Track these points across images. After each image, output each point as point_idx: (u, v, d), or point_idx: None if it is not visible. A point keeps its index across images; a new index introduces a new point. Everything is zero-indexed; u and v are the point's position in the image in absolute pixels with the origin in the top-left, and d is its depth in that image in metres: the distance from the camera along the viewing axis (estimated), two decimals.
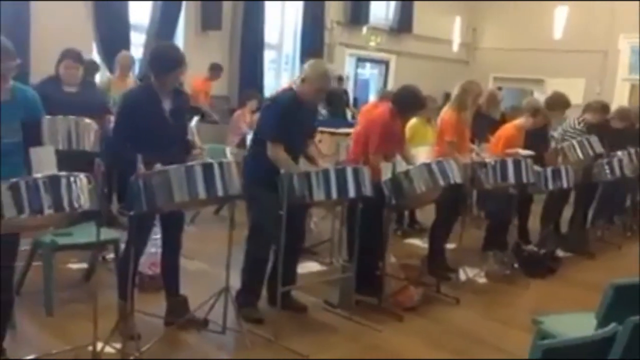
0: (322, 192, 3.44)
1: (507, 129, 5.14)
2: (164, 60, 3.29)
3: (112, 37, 7.51)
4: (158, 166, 3.03)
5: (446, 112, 4.73)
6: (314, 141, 4.13)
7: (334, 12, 10.22)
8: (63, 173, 2.51)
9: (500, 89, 8.37)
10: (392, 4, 11.33)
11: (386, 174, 3.88)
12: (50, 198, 2.43)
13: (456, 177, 4.09)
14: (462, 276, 4.70)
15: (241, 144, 6.84)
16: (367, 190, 3.59)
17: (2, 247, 2.59)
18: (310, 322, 3.80)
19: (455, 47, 11.84)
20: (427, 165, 3.98)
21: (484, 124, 5.40)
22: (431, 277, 4.52)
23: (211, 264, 4.52)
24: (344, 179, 3.49)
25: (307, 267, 4.66)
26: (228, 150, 6.43)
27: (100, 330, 2.97)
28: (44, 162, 2.53)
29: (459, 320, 4.04)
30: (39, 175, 2.46)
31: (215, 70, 8.15)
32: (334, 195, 3.48)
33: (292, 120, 3.58)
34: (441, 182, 3.99)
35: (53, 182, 2.45)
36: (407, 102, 4.14)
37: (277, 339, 3.41)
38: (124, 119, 3.31)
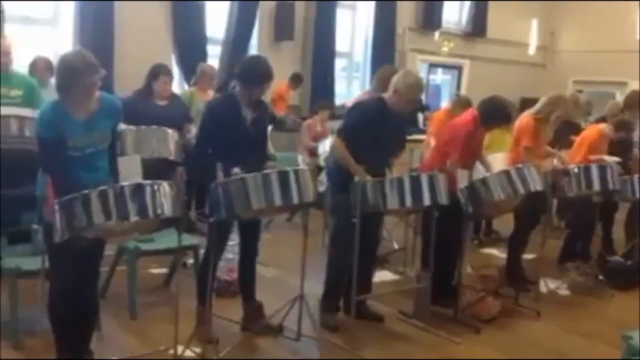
0: (396, 200, 3.39)
1: (590, 134, 4.91)
2: (255, 73, 3.34)
3: (190, 49, 7.77)
4: (236, 170, 3.08)
5: (525, 118, 4.55)
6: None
7: (405, 18, 10.14)
8: (148, 181, 2.61)
9: (580, 92, 8.04)
10: (466, 8, 11.12)
11: (462, 182, 3.78)
12: (136, 205, 2.53)
13: (536, 184, 3.93)
14: (543, 288, 4.52)
15: (312, 153, 6.86)
16: (443, 198, 3.51)
17: (89, 251, 2.71)
18: (386, 331, 3.76)
19: (532, 51, 11.48)
20: (506, 173, 3.85)
21: (565, 129, 5.18)
22: (510, 289, 4.36)
23: (285, 270, 4.55)
24: (418, 186, 3.43)
25: (380, 276, 4.61)
26: (300, 158, 6.48)
27: (180, 334, 3.04)
28: (130, 170, 2.63)
29: (540, 334, 3.88)
30: (125, 183, 2.56)
31: (295, 79, 8.28)
32: (409, 203, 3.43)
33: (377, 129, 3.53)
34: (521, 190, 3.84)
35: (138, 190, 2.55)
36: (494, 113, 3.99)
37: (352, 348, 3.38)
38: (207, 128, 3.39)
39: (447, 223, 3.70)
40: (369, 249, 3.68)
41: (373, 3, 9.72)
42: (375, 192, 3.36)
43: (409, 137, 6.26)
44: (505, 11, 11.08)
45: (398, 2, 9.90)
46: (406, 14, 10.14)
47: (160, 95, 4.54)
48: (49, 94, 4.48)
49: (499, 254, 5.36)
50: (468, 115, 4.14)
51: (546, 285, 4.56)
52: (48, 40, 6.91)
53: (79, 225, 2.49)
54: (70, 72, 2.61)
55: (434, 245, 3.71)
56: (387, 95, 3.66)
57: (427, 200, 3.45)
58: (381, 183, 3.39)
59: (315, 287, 3.76)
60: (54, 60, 5.59)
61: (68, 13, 7.04)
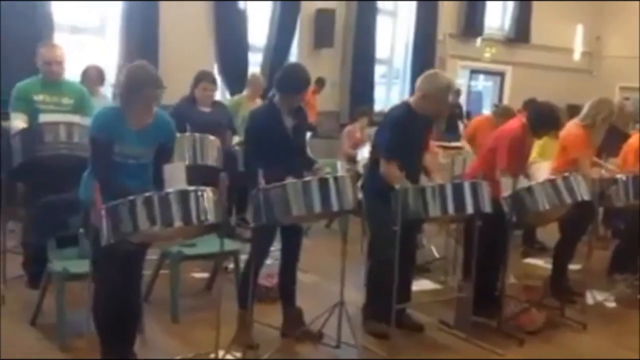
0: (438, 208, 3.35)
1: (637, 142, 4.75)
2: (293, 81, 3.38)
3: (232, 57, 7.88)
4: (290, 179, 3.10)
5: (572, 127, 4.44)
6: (436, 151, 4.01)
7: (446, 24, 10.06)
8: (192, 188, 2.65)
9: (627, 99, 7.80)
10: (508, 13, 10.97)
11: (506, 190, 3.71)
12: (180, 211, 2.57)
13: (583, 193, 3.82)
14: (590, 300, 4.39)
15: (351, 159, 6.85)
16: (486, 206, 3.45)
17: (134, 255, 2.77)
18: (426, 341, 3.71)
19: (577, 56, 11.23)
20: (552, 182, 3.76)
21: (612, 137, 5.03)
22: (555, 300, 4.25)
23: (324, 277, 4.55)
24: (461, 194, 3.38)
25: (420, 285, 4.55)
26: (339, 164, 6.46)
27: (221, 338, 3.05)
28: (175, 177, 2.67)
29: (587, 347, 3.77)
30: (170, 189, 2.60)
31: (319, 83, 8.29)
32: (451, 211, 3.38)
33: (407, 135, 3.52)
34: (567, 200, 3.75)
35: (183, 197, 2.60)
36: (543, 120, 3.90)
37: (392, 357, 3.35)
38: (251, 136, 3.43)
39: (490, 232, 3.63)
40: (408, 257, 3.65)
41: (414, 9, 9.68)
42: (416, 199, 3.32)
43: (449, 144, 6.25)
44: (549, 16, 10.88)
45: (439, 8, 9.83)
46: (447, 19, 10.07)
47: (201, 101, 4.61)
48: (99, 102, 4.63)
49: (543, 264, 5.23)
50: (516, 122, 4.06)
51: (593, 297, 4.43)
52: (95, 48, 7.11)
53: (124, 230, 2.55)
54: (134, 84, 2.73)
55: (476, 254, 3.65)
56: (413, 99, 3.63)
57: (470, 209, 3.40)
58: (423, 190, 3.35)
59: (354, 294, 3.74)
60: (104, 69, 5.80)
61: (114, 22, 7.22)
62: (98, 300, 2.84)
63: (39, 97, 3.92)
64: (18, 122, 3.83)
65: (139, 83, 2.73)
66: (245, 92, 6.24)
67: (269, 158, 3.22)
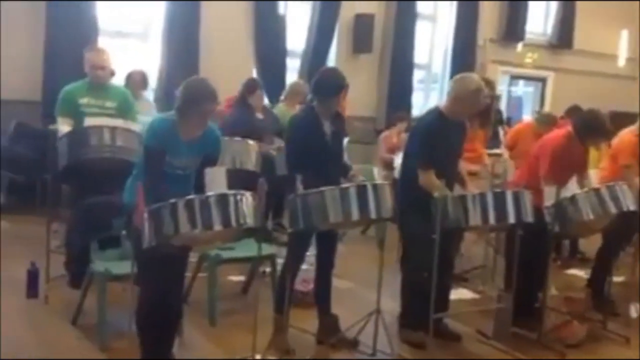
0: (478, 217, 3.30)
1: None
2: (328, 85, 3.39)
3: (270, 62, 7.93)
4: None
5: (626, 135, 4.31)
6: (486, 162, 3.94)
7: (487, 30, 9.92)
8: (231, 192, 2.68)
9: None
10: (551, 18, 10.75)
11: (549, 199, 3.63)
12: (220, 215, 2.59)
13: (629, 203, 3.71)
14: (633, 313, 4.27)
15: (388, 165, 6.81)
16: (528, 215, 3.38)
17: (175, 258, 2.81)
18: (463, 352, 3.66)
19: (622, 62, 10.93)
20: (596, 191, 3.67)
21: None
22: (597, 313, 4.14)
23: (359, 283, 4.54)
24: (503, 203, 3.32)
25: (457, 294, 4.49)
26: (376, 170, 6.44)
27: (257, 342, 3.07)
28: (215, 181, 2.71)
29: None
30: (210, 193, 2.63)
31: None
32: (492, 220, 3.33)
33: (439, 141, 3.47)
34: (612, 210, 3.64)
35: (223, 200, 2.63)
36: (591, 129, 3.80)
37: None
38: (290, 142, 3.45)
39: (532, 242, 3.56)
40: (446, 266, 3.60)
41: (454, 14, 9.58)
42: (456, 207, 3.28)
43: (489, 151, 6.15)
44: (593, 22, 10.62)
45: (480, 13, 9.71)
46: (488, 24, 9.93)
47: (257, 108, 4.67)
48: (142, 106, 4.72)
49: (584, 275, 5.10)
50: (562, 130, 3.97)
51: (637, 309, 4.31)
52: (138, 53, 7.25)
53: (166, 232, 2.59)
54: (192, 98, 2.80)
55: (517, 264, 3.58)
56: (444, 104, 3.58)
57: (511, 218, 3.34)
58: (463, 198, 3.31)
59: (389, 302, 3.71)
60: (147, 73, 5.91)
61: (157, 28, 7.36)
62: (140, 302, 2.89)
63: (84, 101, 4.02)
64: (64, 126, 3.93)
65: (197, 97, 2.80)
66: (283, 98, 6.26)
67: (307, 164, 3.23)
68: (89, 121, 3.84)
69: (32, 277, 3.98)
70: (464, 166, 3.90)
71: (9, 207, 4.68)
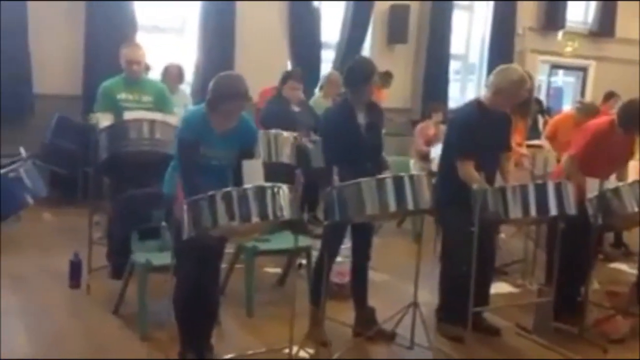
0: (519, 209, 3.23)
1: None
2: (357, 73, 3.37)
3: (305, 54, 7.93)
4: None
5: None
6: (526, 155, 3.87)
7: (525, 18, 9.72)
8: (268, 184, 2.68)
9: None
10: (592, 6, 10.47)
11: (592, 191, 3.53)
12: (257, 207, 2.61)
13: None
14: None
15: (424, 157, 6.73)
16: (571, 208, 3.29)
17: (213, 249, 2.83)
18: (503, 346, 3.60)
19: None
20: None
21: None
22: None
23: (395, 276, 4.52)
24: (544, 195, 3.23)
25: (496, 287, 4.42)
26: (411, 163, 6.38)
27: (294, 334, 3.08)
28: (253, 173, 2.72)
29: None
30: (248, 185, 2.64)
31: (384, 77, 8.17)
32: (533, 213, 3.25)
33: (478, 133, 3.41)
34: None
35: (260, 193, 2.64)
36: (633, 118, 3.67)
37: None
38: (326, 134, 3.44)
39: (574, 235, 3.48)
40: (487, 260, 3.54)
41: (492, 3, 9.41)
42: (496, 200, 3.22)
43: (529, 142, 6.03)
44: (635, 9, 10.29)
45: (518, 2, 9.52)
46: (527, 13, 9.72)
47: (292, 100, 4.65)
48: (179, 99, 4.77)
49: (628, 269, 4.97)
50: (605, 118, 3.86)
51: None
52: (175, 47, 7.34)
53: (204, 224, 2.61)
54: (220, 95, 2.82)
55: (558, 258, 3.50)
56: (485, 96, 3.51)
57: (553, 210, 3.25)
58: (503, 190, 3.25)
59: (426, 295, 3.68)
60: (184, 67, 5.97)
61: (193, 22, 7.43)
62: (178, 292, 2.93)
63: (122, 96, 4.09)
64: (103, 121, 4.00)
65: (224, 95, 2.82)
66: (318, 89, 6.25)
67: (341, 156, 3.21)
68: (128, 115, 3.91)
69: (75, 268, 4.08)
70: (514, 156, 3.82)
71: (52, 199, 4.78)
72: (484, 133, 3.43)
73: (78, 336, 3.44)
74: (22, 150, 2.57)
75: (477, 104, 3.54)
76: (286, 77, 4.67)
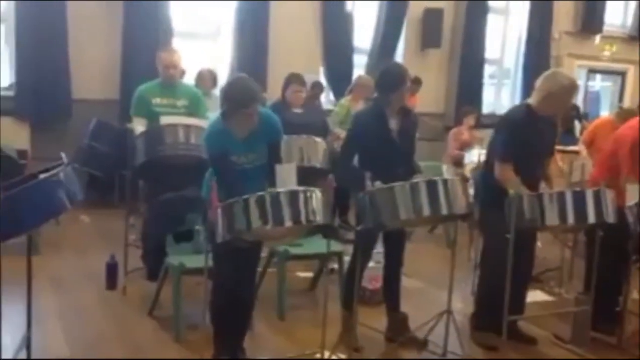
0: (556, 217, 3.17)
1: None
2: (390, 79, 3.37)
3: (338, 60, 7.94)
4: (378, 183, 3.07)
5: None
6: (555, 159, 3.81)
7: (562, 22, 9.55)
8: (301, 188, 2.69)
9: None
10: (631, 9, 10.22)
11: (632, 198, 3.44)
12: (290, 211, 2.61)
13: None
14: None
15: (457, 162, 6.67)
16: (610, 216, 3.22)
17: (248, 253, 2.85)
18: (539, 356, 3.54)
19: None
20: None
21: None
22: None
23: (428, 282, 4.48)
24: (582, 202, 3.17)
25: (532, 296, 4.33)
26: (445, 168, 6.32)
27: (326, 339, 3.07)
28: (286, 178, 2.72)
29: None
30: (281, 190, 2.66)
31: (415, 84, 8.12)
32: (571, 220, 3.19)
33: (526, 138, 3.36)
34: None
35: (293, 197, 2.64)
36: None
37: None
38: (352, 138, 3.43)
39: (613, 243, 3.40)
40: (524, 268, 3.48)
41: (528, 7, 9.28)
42: (533, 207, 3.16)
43: (566, 149, 5.92)
44: None
45: (555, 6, 9.37)
46: (564, 17, 9.56)
47: (293, 103, 4.65)
48: (213, 103, 4.82)
49: None
50: (634, 122, 3.76)
51: None
52: (210, 53, 7.43)
53: (239, 228, 2.63)
54: (232, 102, 2.84)
55: (597, 267, 3.42)
56: (534, 100, 3.45)
57: (592, 218, 3.19)
58: (540, 197, 3.19)
59: (460, 303, 3.64)
60: (217, 72, 6.05)
61: (228, 28, 7.51)
62: (215, 296, 2.96)
63: (157, 100, 4.16)
64: (138, 126, 4.07)
65: (237, 103, 2.82)
66: (348, 94, 6.24)
67: (372, 161, 3.20)
68: (164, 120, 3.97)
69: (112, 270, 4.15)
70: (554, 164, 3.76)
71: (90, 202, 4.90)
72: (532, 138, 3.37)
73: (114, 337, 3.50)
74: (63, 155, 2.64)
75: (526, 108, 3.49)
76: (288, 82, 4.68)
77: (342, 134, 5.00)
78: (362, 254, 3.34)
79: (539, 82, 3.44)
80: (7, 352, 2.62)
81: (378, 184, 3.08)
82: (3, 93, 6.53)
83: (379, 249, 3.64)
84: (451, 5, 8.73)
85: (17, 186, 2.45)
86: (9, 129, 6.24)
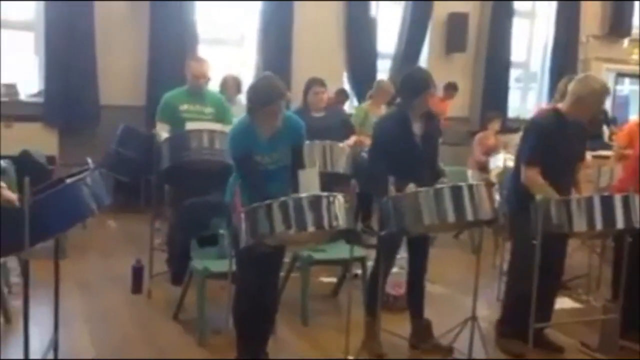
0: (584, 222, 3.12)
1: None
2: (412, 84, 3.35)
3: (361, 65, 7.94)
4: (411, 185, 3.05)
5: None
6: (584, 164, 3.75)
7: (589, 25, 9.42)
8: (324, 193, 2.69)
9: None
10: None
11: None
12: (313, 216, 2.61)
13: None
14: None
15: (482, 168, 6.61)
16: (638, 221, 3.15)
17: (271, 258, 2.86)
18: None
19: None
20: None
21: None
22: None
23: (452, 288, 4.44)
24: (610, 207, 3.11)
25: (559, 303, 4.24)
26: (469, 173, 6.27)
27: (349, 344, 3.06)
28: (309, 182, 2.73)
29: None
30: (304, 194, 2.66)
31: (449, 89, 8.07)
32: (599, 226, 3.13)
33: (554, 142, 3.31)
34: None
35: (316, 202, 2.65)
36: None
37: None
38: (378, 143, 3.42)
39: None
40: (553, 275, 3.43)
41: (554, 10, 9.18)
42: (560, 212, 3.11)
43: (594, 153, 5.82)
44: None
45: (582, 9, 9.24)
46: (591, 20, 9.42)
47: (315, 106, 4.65)
48: (237, 110, 4.85)
49: None
50: None
51: None
52: (235, 59, 7.49)
53: (262, 232, 2.64)
54: (258, 99, 2.85)
55: (625, 273, 3.35)
56: (563, 104, 3.40)
57: (620, 224, 3.12)
58: (567, 202, 3.14)
59: (485, 309, 3.59)
60: (242, 78, 6.09)
61: (251, 35, 7.57)
62: (238, 300, 2.98)
63: (184, 107, 4.20)
64: (162, 132, 4.12)
65: (262, 99, 2.84)
66: (371, 99, 6.24)
67: (395, 166, 3.19)
68: (189, 125, 4.01)
69: (137, 274, 4.20)
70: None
71: (116, 206, 4.96)
72: (560, 143, 3.32)
73: (139, 340, 3.53)
74: (89, 160, 2.68)
75: (555, 112, 3.44)
76: (310, 84, 4.68)
77: (367, 140, 5.01)
78: (385, 259, 3.33)
79: (570, 86, 3.39)
80: (35, 354, 2.66)
81: (412, 186, 3.06)
82: (32, 99, 6.68)
83: (402, 254, 3.62)
84: (476, 8, 8.68)
85: (45, 191, 2.49)
86: (38, 134, 6.38)
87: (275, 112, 2.86)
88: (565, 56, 9.11)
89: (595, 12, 9.51)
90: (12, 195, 2.60)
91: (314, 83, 4.70)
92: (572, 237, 3.86)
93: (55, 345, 2.83)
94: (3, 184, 2.63)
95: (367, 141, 4.94)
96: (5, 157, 4.65)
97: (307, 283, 3.82)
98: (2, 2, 6.28)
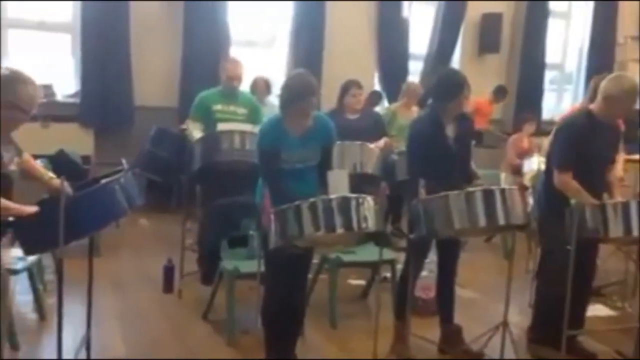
0: (620, 228, 3.04)
1: None
2: (447, 86, 3.32)
3: (392, 66, 7.90)
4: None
5: None
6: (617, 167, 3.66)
7: (627, 26, 9.19)
8: (353, 195, 2.68)
9: None
10: None
11: None
12: (342, 218, 2.60)
13: None
14: None
15: (516, 171, 6.50)
16: None
17: (300, 259, 2.86)
18: None
19: None
20: None
21: None
22: None
23: (483, 293, 4.38)
24: None
25: (593, 310, 4.17)
26: (503, 176, 6.17)
27: (377, 348, 3.05)
28: (338, 184, 2.72)
29: None
30: (333, 196, 2.65)
31: (499, 92, 7.97)
32: (635, 232, 3.05)
33: (587, 144, 3.24)
34: None
35: (345, 203, 2.63)
36: None
37: None
38: (412, 146, 3.40)
39: None
40: (585, 280, 3.35)
41: (591, 10, 8.99)
42: (595, 217, 3.04)
43: (631, 157, 5.67)
44: None
45: (620, 9, 9.03)
46: (629, 21, 9.19)
47: (351, 108, 4.64)
48: (268, 110, 4.89)
49: None
50: None
51: None
52: (266, 60, 7.53)
53: (291, 234, 2.64)
54: (290, 95, 2.85)
55: None
56: (595, 105, 3.32)
57: None
58: (602, 207, 3.06)
59: (516, 315, 3.54)
60: (272, 79, 6.13)
61: (284, 36, 7.60)
62: (267, 301, 2.99)
63: (217, 107, 4.25)
64: (195, 132, 4.17)
65: (294, 95, 2.84)
66: (400, 100, 6.21)
67: (428, 168, 3.16)
68: (221, 126, 4.05)
69: (168, 273, 4.25)
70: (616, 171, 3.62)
71: (148, 206, 5.03)
72: (592, 144, 3.25)
73: (169, 339, 3.58)
74: (123, 161, 2.72)
75: (587, 113, 3.37)
76: (347, 86, 4.67)
77: (394, 142, 4.98)
78: (415, 262, 3.30)
79: (601, 86, 3.31)
80: (68, 351, 2.71)
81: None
82: (69, 100, 6.82)
83: (432, 258, 3.59)
84: (510, 8, 8.56)
85: (80, 190, 2.54)
86: (74, 135, 6.52)
87: (306, 110, 2.86)
88: (601, 57, 8.90)
89: (634, 12, 9.26)
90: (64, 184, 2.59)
91: (352, 85, 4.70)
92: (607, 243, 3.78)
93: (87, 344, 2.88)
94: (52, 174, 2.69)
95: (395, 143, 4.94)
96: (42, 157, 4.76)
97: (336, 285, 3.82)
98: (40, 4, 6.43)
